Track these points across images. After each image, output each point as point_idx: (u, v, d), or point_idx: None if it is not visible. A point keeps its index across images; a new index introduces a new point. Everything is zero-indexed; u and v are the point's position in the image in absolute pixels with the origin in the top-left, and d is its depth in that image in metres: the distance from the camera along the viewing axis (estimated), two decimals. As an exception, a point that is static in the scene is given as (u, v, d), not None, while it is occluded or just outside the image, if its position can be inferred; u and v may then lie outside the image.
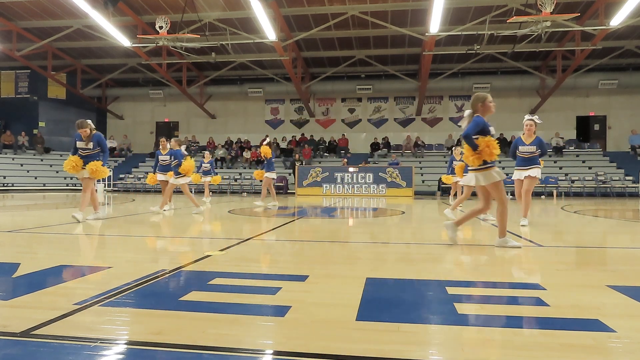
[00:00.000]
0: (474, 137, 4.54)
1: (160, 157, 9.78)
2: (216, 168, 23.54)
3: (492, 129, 4.63)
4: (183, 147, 9.51)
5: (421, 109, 24.44)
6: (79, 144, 7.08)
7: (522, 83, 22.66)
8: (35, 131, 24.58)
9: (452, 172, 10.37)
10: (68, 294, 2.71)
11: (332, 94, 25.31)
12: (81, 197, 7.17)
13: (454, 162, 10.14)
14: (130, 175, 23.48)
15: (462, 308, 2.49)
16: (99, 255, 4.32)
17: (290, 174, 21.75)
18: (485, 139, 4.56)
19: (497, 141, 4.59)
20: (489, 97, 4.68)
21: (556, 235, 5.91)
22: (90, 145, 7.05)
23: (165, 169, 9.68)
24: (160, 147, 9.84)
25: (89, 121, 7.10)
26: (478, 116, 4.62)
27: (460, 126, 5.02)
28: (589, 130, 24.11)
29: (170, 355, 1.85)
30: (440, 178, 20.06)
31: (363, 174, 19.47)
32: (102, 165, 7.04)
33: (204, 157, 13.81)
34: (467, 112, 4.76)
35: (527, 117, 6.77)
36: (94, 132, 7.11)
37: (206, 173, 13.44)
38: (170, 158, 9.42)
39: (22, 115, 24.91)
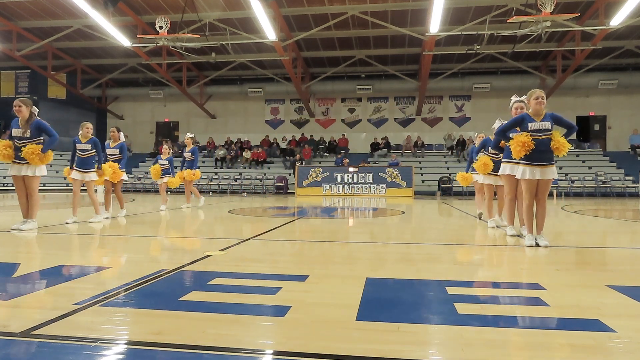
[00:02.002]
0: (510, 132, 4.97)
1: (109, 151, 7.97)
2: (216, 168, 23.65)
3: (535, 125, 4.74)
4: (122, 134, 8.16)
5: (421, 109, 24.44)
6: (15, 132, 5.79)
7: (522, 83, 22.62)
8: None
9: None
10: (68, 294, 2.72)
11: (332, 94, 25.30)
12: (29, 202, 5.84)
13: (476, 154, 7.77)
14: (130, 175, 23.46)
15: (462, 308, 2.49)
16: (99, 255, 4.32)
17: (290, 174, 21.75)
18: (516, 136, 4.77)
19: (529, 139, 4.69)
20: (533, 94, 4.82)
21: (556, 235, 5.91)
22: (28, 133, 5.73)
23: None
24: (111, 139, 8.05)
25: (34, 108, 5.92)
26: (524, 112, 4.92)
27: None
28: (589, 130, 24.10)
29: (170, 355, 1.85)
30: (441, 178, 20.14)
31: (363, 174, 19.46)
32: (42, 150, 5.65)
33: (161, 153, 10.86)
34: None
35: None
36: (35, 117, 5.86)
37: (163, 173, 10.50)
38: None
39: (22, 115, 24.85)
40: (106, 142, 8.05)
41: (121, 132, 8.13)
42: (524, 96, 5.69)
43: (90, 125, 7.10)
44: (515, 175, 5.07)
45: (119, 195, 7.97)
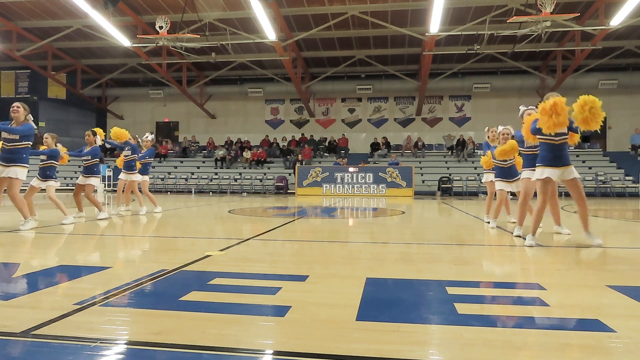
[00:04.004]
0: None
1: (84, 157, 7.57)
2: (216, 168, 23.60)
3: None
4: (98, 137, 7.54)
5: (421, 109, 24.44)
6: (4, 134, 5.72)
7: (522, 83, 22.65)
8: (35, 131, 24.56)
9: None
10: (68, 294, 2.72)
11: (332, 94, 25.31)
12: (14, 204, 5.89)
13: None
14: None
15: (462, 308, 2.49)
16: (99, 255, 4.32)
17: (290, 174, 21.76)
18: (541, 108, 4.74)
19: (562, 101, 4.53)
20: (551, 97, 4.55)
21: (556, 235, 5.90)
22: (17, 136, 5.72)
23: (87, 170, 7.45)
24: (87, 142, 7.57)
25: (29, 116, 5.90)
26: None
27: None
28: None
29: (170, 355, 1.85)
30: (441, 178, 20.14)
31: (363, 174, 19.46)
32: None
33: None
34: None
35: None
36: (28, 121, 5.82)
37: (128, 168, 8.91)
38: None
39: (22, 115, 24.86)
40: (82, 147, 7.64)
41: (97, 137, 7.50)
42: (531, 106, 5.53)
43: (47, 136, 6.92)
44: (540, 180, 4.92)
45: (91, 198, 7.47)
